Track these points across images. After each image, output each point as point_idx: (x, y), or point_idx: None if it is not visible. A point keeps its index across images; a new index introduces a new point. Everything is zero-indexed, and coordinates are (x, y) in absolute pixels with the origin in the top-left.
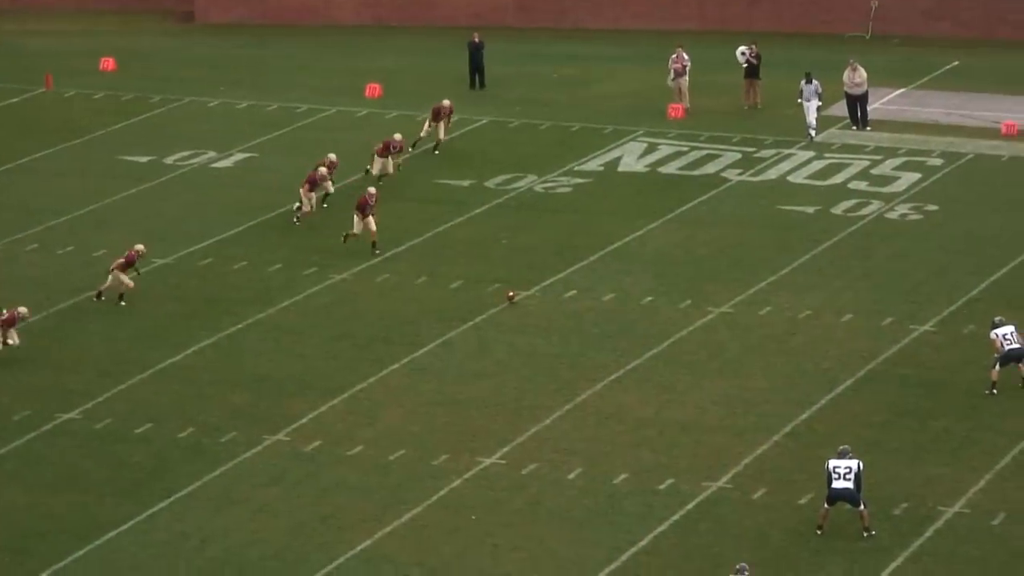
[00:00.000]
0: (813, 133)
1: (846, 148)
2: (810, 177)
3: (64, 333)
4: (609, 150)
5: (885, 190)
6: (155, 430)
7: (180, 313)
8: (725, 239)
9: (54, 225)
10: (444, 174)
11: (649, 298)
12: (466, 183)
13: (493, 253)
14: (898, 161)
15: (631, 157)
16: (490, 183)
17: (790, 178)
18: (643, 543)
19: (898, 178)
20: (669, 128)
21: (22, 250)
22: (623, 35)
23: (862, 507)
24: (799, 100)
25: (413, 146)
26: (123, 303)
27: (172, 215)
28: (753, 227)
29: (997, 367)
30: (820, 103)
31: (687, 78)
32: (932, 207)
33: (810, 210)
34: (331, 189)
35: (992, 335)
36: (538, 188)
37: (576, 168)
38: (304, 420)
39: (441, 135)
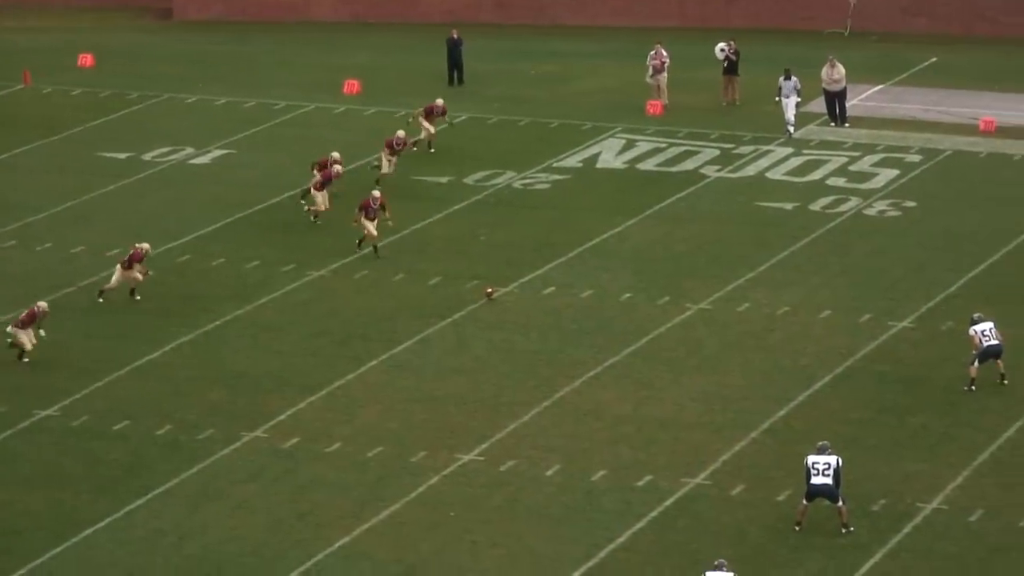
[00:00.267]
0: (791, 129)
1: (824, 145)
2: (788, 174)
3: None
4: (588, 147)
5: (863, 186)
6: (132, 427)
7: (158, 310)
8: (703, 235)
9: (32, 222)
10: (423, 171)
11: (627, 295)
12: (444, 179)
13: (471, 249)
14: (876, 158)
15: (610, 154)
16: (469, 179)
17: (768, 175)
18: (621, 540)
19: (876, 174)
20: (648, 125)
21: (0, 246)
22: (602, 32)
23: (840, 503)
24: (777, 98)
25: (414, 145)
26: (137, 297)
27: (150, 212)
28: (731, 224)
29: (976, 363)
30: (799, 99)
31: (666, 75)
32: (910, 203)
33: (788, 207)
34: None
35: (971, 331)
36: (517, 185)
37: (555, 164)
38: (282, 417)
39: (432, 130)
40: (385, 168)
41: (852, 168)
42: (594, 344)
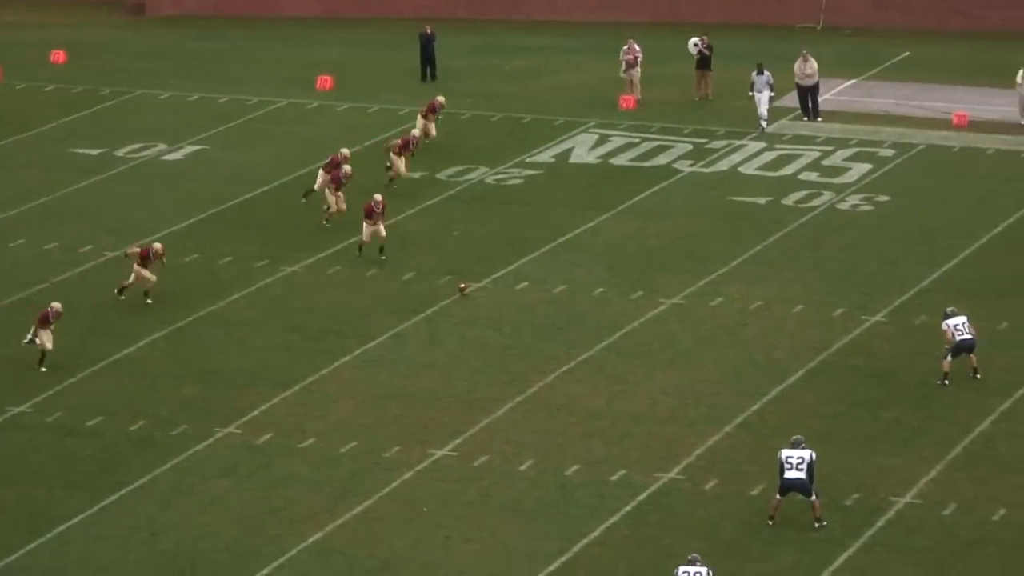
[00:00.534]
0: (764, 124)
1: (797, 139)
2: (761, 168)
3: (15, 326)
4: (561, 142)
5: (836, 181)
6: (106, 423)
7: (131, 306)
8: (676, 230)
9: (4, 218)
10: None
11: (600, 289)
12: (417, 175)
13: (445, 245)
14: (849, 152)
15: (582, 148)
16: (442, 175)
17: (741, 169)
18: (595, 534)
19: (849, 169)
20: (620, 120)
21: None
22: (574, 27)
23: (814, 498)
24: (751, 93)
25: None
26: (149, 301)
27: (123, 208)
28: (704, 218)
29: (949, 358)
30: (772, 94)
31: (639, 70)
32: (883, 198)
33: (761, 201)
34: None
35: (944, 325)
36: (489, 180)
37: (528, 160)
38: (255, 412)
39: (432, 130)
40: (401, 169)
41: (825, 163)
42: (567, 339)
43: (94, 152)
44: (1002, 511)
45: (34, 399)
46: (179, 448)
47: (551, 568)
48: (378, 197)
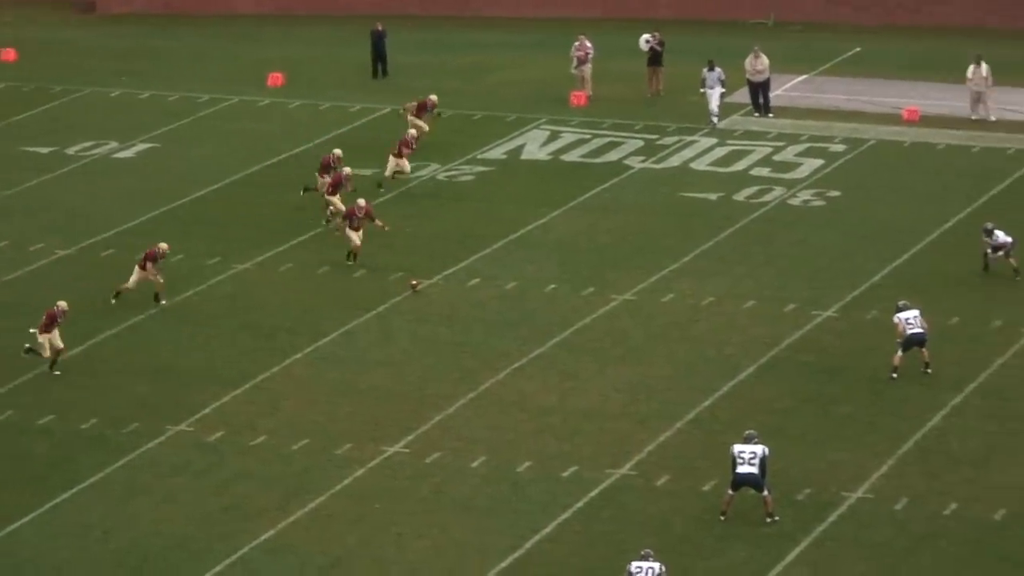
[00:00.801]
0: (716, 120)
1: (748, 135)
2: (712, 164)
3: None
4: (512, 138)
5: (787, 176)
6: (58, 421)
7: (82, 304)
8: (628, 226)
9: None
10: (346, 163)
11: (552, 286)
12: (368, 172)
13: (396, 242)
14: (800, 147)
15: (534, 145)
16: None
17: (692, 165)
18: (547, 531)
19: (800, 164)
20: (572, 116)
21: None
22: (525, 23)
23: (766, 493)
24: (702, 89)
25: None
26: (163, 302)
27: (74, 206)
28: (656, 214)
29: (900, 352)
30: (724, 90)
31: (590, 66)
32: (835, 193)
33: (713, 197)
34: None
35: (895, 319)
36: (441, 176)
37: (479, 156)
38: (207, 410)
39: (425, 128)
40: (406, 168)
41: (776, 158)
42: (519, 335)
43: (45, 150)
44: (953, 505)
45: None
46: (131, 446)
47: (503, 564)
48: (361, 202)
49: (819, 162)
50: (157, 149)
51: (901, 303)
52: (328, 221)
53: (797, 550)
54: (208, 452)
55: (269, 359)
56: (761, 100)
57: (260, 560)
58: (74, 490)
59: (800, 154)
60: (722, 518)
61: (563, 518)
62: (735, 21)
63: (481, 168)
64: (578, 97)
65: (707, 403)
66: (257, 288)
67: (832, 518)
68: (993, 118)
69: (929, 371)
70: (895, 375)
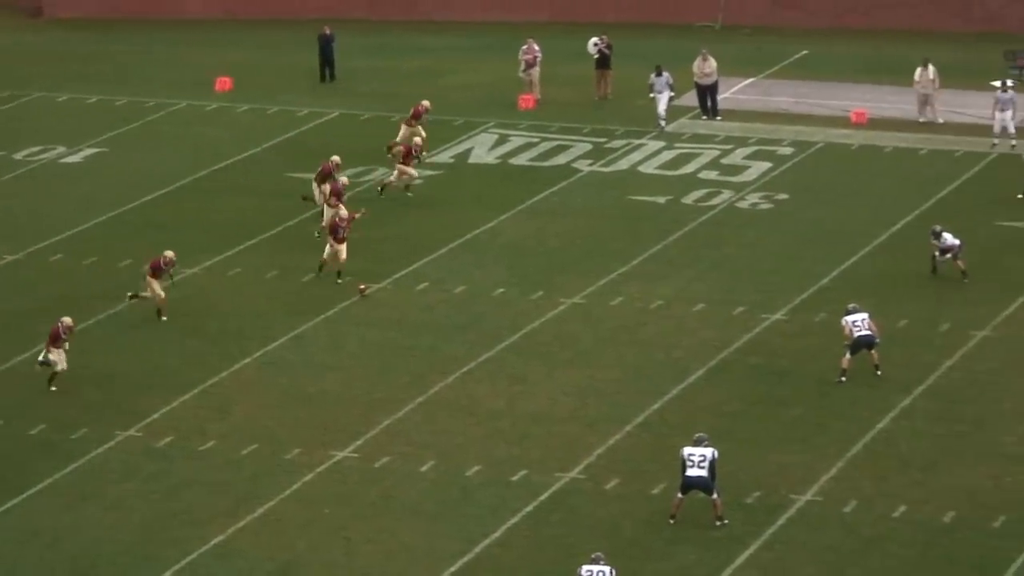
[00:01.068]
0: (663, 123)
1: (696, 138)
2: (661, 167)
3: None
4: (460, 142)
5: (735, 179)
6: (5, 427)
7: (30, 310)
8: (576, 230)
9: None
10: (294, 168)
11: (501, 290)
12: (307, 175)
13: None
14: (748, 150)
15: (482, 149)
16: (340, 176)
17: (641, 168)
18: (496, 535)
19: (748, 167)
20: (520, 119)
21: None
22: (473, 27)
23: (715, 496)
24: (651, 95)
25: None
26: (164, 318)
27: (21, 211)
28: (604, 218)
29: (848, 355)
30: (672, 94)
31: (538, 69)
32: (782, 196)
33: (661, 200)
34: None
35: (843, 322)
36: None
37: (427, 160)
38: (155, 416)
39: (423, 134)
40: (413, 173)
41: (724, 161)
42: (467, 339)
43: None
44: (902, 508)
45: None
46: (80, 452)
47: (453, 569)
48: (344, 214)
49: (767, 165)
50: (105, 154)
51: (851, 306)
52: (319, 233)
53: (747, 553)
54: (157, 457)
55: (218, 364)
56: (709, 103)
57: (210, 565)
58: (23, 496)
59: (748, 157)
60: (671, 521)
61: (512, 522)
62: (683, 24)
63: (429, 172)
64: (526, 100)
65: (656, 406)
66: (206, 293)
67: (781, 521)
68: (941, 120)
69: (879, 373)
70: (843, 378)
